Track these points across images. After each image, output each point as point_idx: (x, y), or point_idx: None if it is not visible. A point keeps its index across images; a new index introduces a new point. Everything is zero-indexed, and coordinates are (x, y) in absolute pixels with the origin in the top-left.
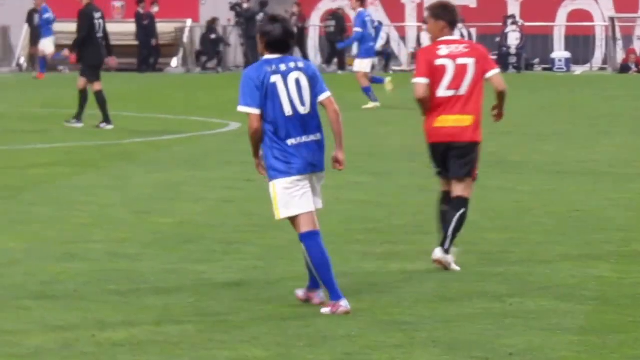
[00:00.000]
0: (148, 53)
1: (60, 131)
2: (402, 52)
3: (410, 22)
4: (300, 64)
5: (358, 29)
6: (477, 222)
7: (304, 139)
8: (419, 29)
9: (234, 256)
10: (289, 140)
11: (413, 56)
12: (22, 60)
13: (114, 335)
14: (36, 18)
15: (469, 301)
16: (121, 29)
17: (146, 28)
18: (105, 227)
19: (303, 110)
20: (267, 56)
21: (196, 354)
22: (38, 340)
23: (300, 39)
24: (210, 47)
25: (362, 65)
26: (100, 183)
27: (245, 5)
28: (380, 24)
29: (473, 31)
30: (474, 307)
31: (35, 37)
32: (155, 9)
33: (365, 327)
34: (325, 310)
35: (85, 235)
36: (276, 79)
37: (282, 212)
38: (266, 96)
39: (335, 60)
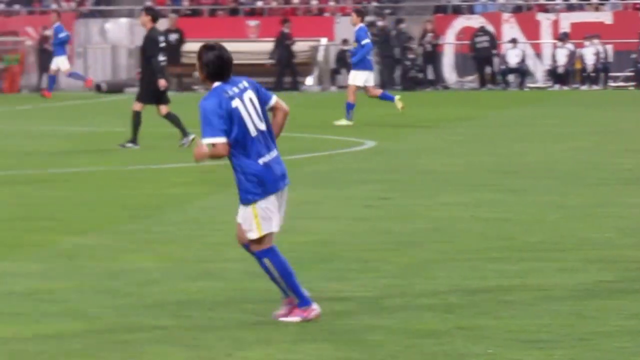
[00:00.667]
0: (285, 72)
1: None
2: (538, 69)
3: (546, 39)
4: (246, 83)
5: (368, 40)
6: (615, 239)
7: (270, 155)
8: (554, 46)
9: (371, 274)
10: (260, 160)
11: (548, 73)
12: None
13: (250, 355)
14: (171, 37)
15: (607, 319)
16: (255, 48)
17: (287, 47)
18: (240, 247)
19: (262, 127)
20: (216, 84)
21: None
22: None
23: (433, 56)
24: (345, 66)
25: (357, 79)
26: (236, 202)
27: (379, 23)
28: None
29: (609, 48)
30: (612, 325)
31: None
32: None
33: (502, 345)
34: (294, 317)
35: (222, 254)
36: (237, 103)
37: (263, 229)
38: (231, 122)
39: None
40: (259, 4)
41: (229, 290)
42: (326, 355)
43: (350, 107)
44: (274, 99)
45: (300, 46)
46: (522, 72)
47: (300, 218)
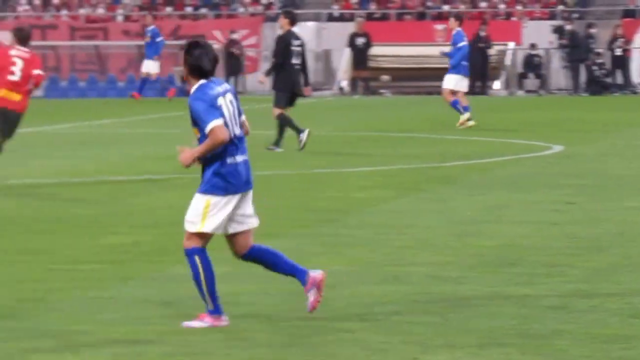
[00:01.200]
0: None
1: (379, 154)
2: None
3: None
4: (227, 86)
5: (464, 43)
6: None
7: (240, 158)
8: None
9: (558, 279)
10: (231, 160)
11: None
12: (344, 84)
13: (436, 358)
14: (358, 41)
15: None
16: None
17: (482, 50)
18: (427, 250)
19: (237, 130)
20: (202, 81)
21: None
22: None
23: (622, 60)
24: (532, 70)
25: (450, 82)
26: (422, 206)
27: (568, 27)
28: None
29: None
30: None
31: (357, 60)
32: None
33: None
34: (202, 323)
35: (408, 258)
36: (221, 101)
37: (207, 225)
38: (220, 111)
39: None
40: (446, 7)
41: (415, 294)
42: (512, 358)
43: (455, 103)
44: (244, 116)
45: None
46: None
47: (487, 222)
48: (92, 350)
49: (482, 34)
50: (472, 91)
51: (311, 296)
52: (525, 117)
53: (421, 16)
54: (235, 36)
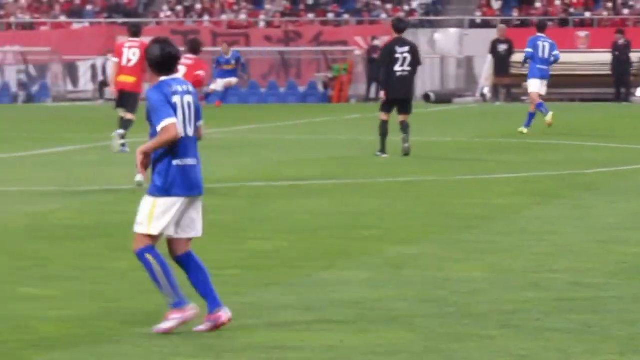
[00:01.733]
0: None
1: (520, 161)
2: None
3: None
4: (190, 88)
5: (529, 50)
6: None
7: (189, 161)
8: None
9: None
10: (178, 161)
11: None
12: (486, 90)
13: None
14: (500, 47)
15: None
16: (586, 59)
17: (620, 58)
18: (567, 257)
19: (190, 132)
20: (163, 78)
21: None
22: None
23: None
24: None
25: (531, 86)
26: (562, 213)
27: None
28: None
29: None
30: None
31: (499, 67)
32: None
33: None
34: (170, 322)
35: (548, 265)
36: (176, 99)
37: (153, 227)
38: (175, 109)
39: None
40: (588, 14)
41: (556, 301)
42: None
43: (540, 106)
44: (200, 122)
45: (633, 57)
46: None
47: (630, 229)
48: (231, 356)
49: (620, 41)
50: (615, 98)
51: (203, 326)
52: None
53: (563, 23)
54: (376, 42)
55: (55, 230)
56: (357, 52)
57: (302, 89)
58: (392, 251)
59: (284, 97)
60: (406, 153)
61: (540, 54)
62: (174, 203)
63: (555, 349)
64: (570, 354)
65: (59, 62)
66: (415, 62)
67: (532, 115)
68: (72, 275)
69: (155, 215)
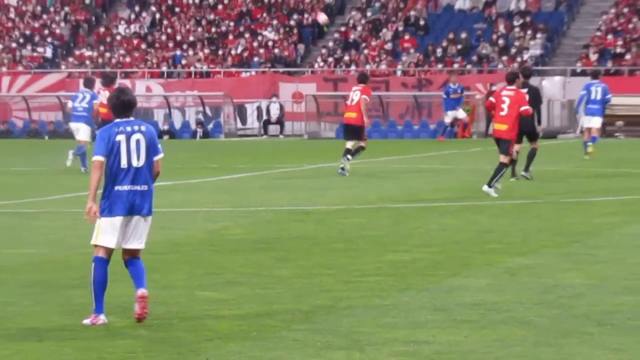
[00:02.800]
0: None
1: (616, 187)
2: None
3: None
4: (142, 128)
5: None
6: None
7: (130, 187)
8: None
9: None
10: (117, 187)
11: None
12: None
13: None
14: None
15: None
16: None
17: None
18: None
19: (136, 164)
20: (116, 119)
21: None
22: None
23: None
24: None
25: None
26: None
27: None
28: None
29: None
30: None
31: None
32: None
33: None
34: (86, 321)
35: (639, 273)
36: (120, 137)
37: (99, 239)
38: (111, 151)
39: None
40: None
41: None
42: None
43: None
44: (157, 157)
45: None
46: None
47: None
48: (374, 349)
49: None
50: None
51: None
52: None
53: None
54: (494, 88)
55: (228, 243)
56: (478, 96)
57: (432, 126)
58: (511, 262)
59: (417, 133)
60: (528, 178)
61: (593, 96)
62: (114, 221)
63: None
64: None
65: (230, 104)
66: (537, 101)
67: (585, 143)
68: (241, 281)
69: (101, 230)
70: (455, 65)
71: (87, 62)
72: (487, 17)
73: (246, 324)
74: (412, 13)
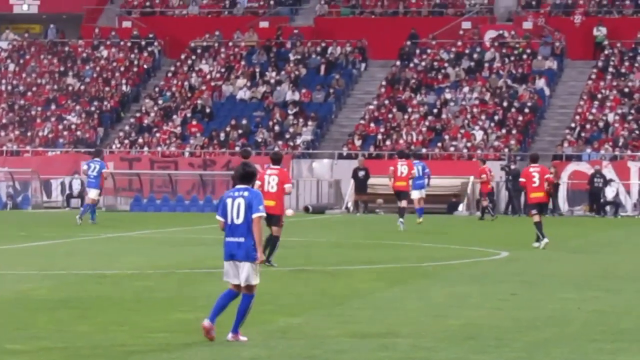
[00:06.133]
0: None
1: (376, 256)
2: (628, 202)
3: (634, 180)
4: (245, 193)
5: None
6: None
7: (232, 239)
8: None
9: (504, 349)
10: (227, 238)
11: (635, 206)
12: (349, 205)
13: None
14: (360, 173)
15: None
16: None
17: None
18: (408, 326)
19: (237, 221)
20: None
21: None
22: None
23: (554, 192)
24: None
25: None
26: (406, 295)
27: (512, 166)
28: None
29: None
30: None
31: (359, 188)
32: None
33: None
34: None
35: (396, 331)
36: (228, 200)
37: (224, 278)
38: (223, 209)
39: (585, 206)
40: (425, 150)
41: (398, 359)
42: None
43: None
44: (254, 215)
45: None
46: (617, 204)
47: (455, 307)
48: None
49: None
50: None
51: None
52: (480, 232)
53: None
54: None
55: (34, 302)
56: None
57: (215, 201)
58: (283, 321)
59: (202, 208)
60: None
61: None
62: (226, 264)
63: None
64: None
65: (37, 180)
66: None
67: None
68: (45, 336)
69: (224, 270)
70: (237, 149)
71: None
72: (266, 106)
73: None
74: (199, 101)
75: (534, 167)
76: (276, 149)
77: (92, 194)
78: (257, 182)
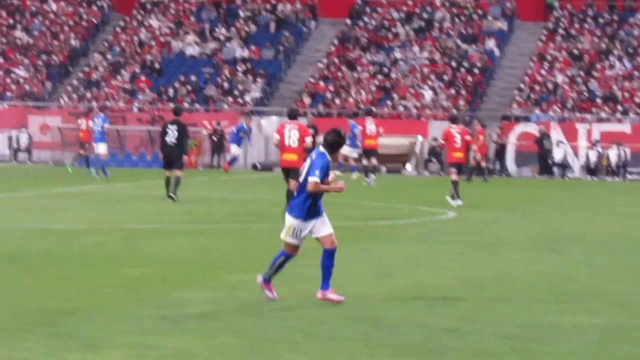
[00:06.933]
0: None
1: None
2: (576, 164)
3: (582, 142)
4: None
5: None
6: (630, 288)
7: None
8: (588, 148)
9: (450, 308)
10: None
11: (583, 168)
12: None
13: None
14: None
15: (634, 345)
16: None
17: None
18: (355, 285)
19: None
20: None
21: None
22: None
23: (501, 152)
24: (435, 156)
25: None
26: (353, 255)
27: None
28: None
29: (628, 150)
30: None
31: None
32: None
33: None
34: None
35: (342, 291)
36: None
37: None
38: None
39: (534, 167)
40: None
41: (344, 317)
42: None
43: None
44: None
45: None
46: (564, 166)
47: (400, 267)
48: (107, 352)
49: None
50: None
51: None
52: (427, 192)
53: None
54: (217, 127)
55: None
56: (205, 132)
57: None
58: (231, 278)
59: (150, 164)
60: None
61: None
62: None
63: (346, 354)
64: (357, 357)
65: None
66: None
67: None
68: None
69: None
70: (186, 104)
71: None
72: (215, 63)
73: None
74: (148, 57)
75: (454, 127)
76: (224, 106)
77: (102, 148)
78: (276, 136)
